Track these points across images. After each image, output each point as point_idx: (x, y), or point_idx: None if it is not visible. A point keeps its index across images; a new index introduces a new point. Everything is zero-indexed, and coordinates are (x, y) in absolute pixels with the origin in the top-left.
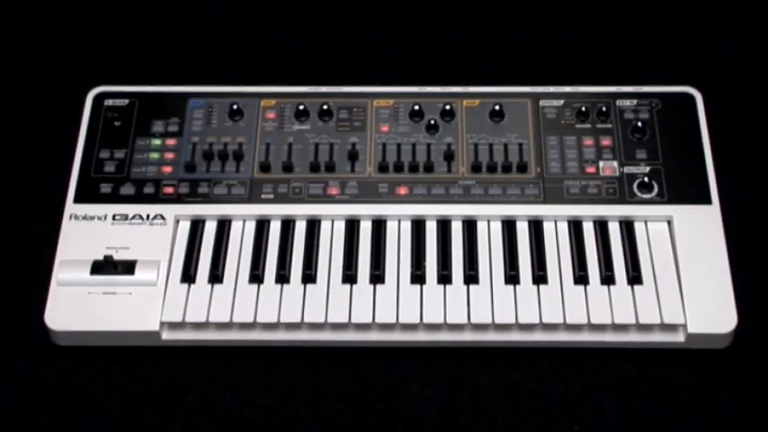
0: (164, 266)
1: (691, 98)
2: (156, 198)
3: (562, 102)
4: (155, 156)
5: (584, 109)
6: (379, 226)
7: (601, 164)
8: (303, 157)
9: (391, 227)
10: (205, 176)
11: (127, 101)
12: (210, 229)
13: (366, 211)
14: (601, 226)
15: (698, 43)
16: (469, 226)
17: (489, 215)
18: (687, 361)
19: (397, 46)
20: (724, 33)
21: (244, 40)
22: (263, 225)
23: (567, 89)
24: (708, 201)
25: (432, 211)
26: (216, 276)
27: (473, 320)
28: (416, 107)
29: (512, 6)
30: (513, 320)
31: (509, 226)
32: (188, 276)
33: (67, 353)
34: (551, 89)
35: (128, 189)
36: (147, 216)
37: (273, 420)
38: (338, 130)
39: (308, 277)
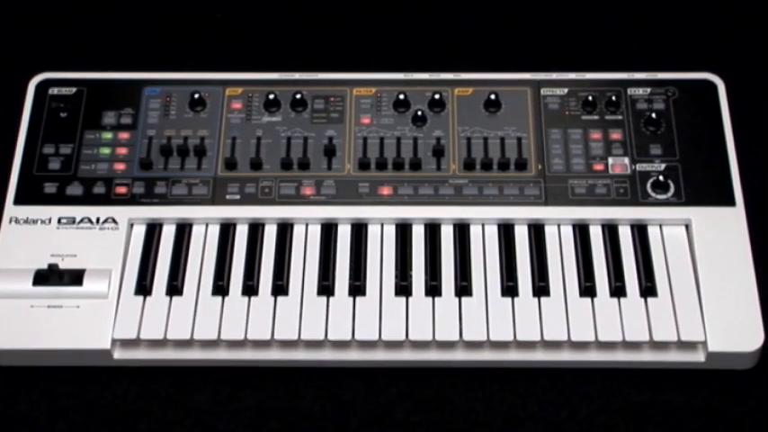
0: (116, 276)
1: (711, 86)
2: (107, 199)
3: (566, 90)
4: (106, 151)
5: (590, 98)
6: (359, 230)
7: (610, 160)
8: (273, 152)
9: (373, 231)
10: (163, 175)
11: (74, 89)
12: (169, 234)
13: (345, 213)
14: (610, 230)
15: (719, 24)
16: (461, 230)
17: (484, 218)
18: (707, 383)
19: (379, 27)
20: (748, 13)
21: (206, 21)
22: (228, 229)
23: (572, 76)
24: (731, 202)
25: (419, 213)
26: (175, 288)
27: (466, 337)
28: (401, 96)
29: None
30: (510, 337)
31: (506, 230)
32: (143, 288)
33: (7, 374)
34: (554, 76)
35: (75, 189)
36: (98, 219)
37: None
38: (313, 122)
39: (279, 288)
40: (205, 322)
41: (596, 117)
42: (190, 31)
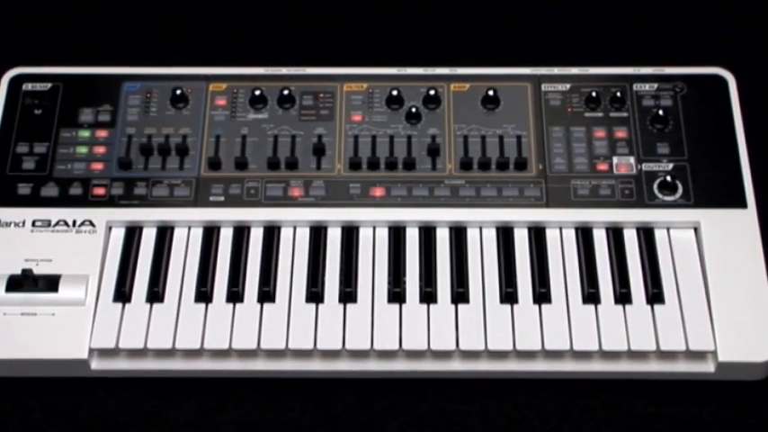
0: (93, 282)
1: (722, 81)
2: (84, 201)
3: (568, 86)
4: (83, 150)
5: (594, 94)
6: (350, 234)
7: (615, 160)
8: (260, 151)
9: (365, 235)
10: (143, 175)
11: (49, 85)
12: (149, 238)
13: (335, 215)
14: (615, 234)
15: (730, 16)
16: (458, 234)
17: (482, 221)
18: (717, 395)
19: (371, 19)
20: (761, 4)
21: (188, 12)
22: (211, 233)
23: (575, 71)
24: (742, 204)
25: (413, 215)
26: (155, 294)
27: (462, 347)
28: (394, 92)
29: None
30: (509, 347)
31: (505, 234)
32: (122, 294)
33: None
34: (555, 71)
35: (50, 190)
36: (74, 222)
37: None
38: (301, 119)
39: (266, 295)
40: (188, 331)
41: (600, 114)
42: (171, 24)
